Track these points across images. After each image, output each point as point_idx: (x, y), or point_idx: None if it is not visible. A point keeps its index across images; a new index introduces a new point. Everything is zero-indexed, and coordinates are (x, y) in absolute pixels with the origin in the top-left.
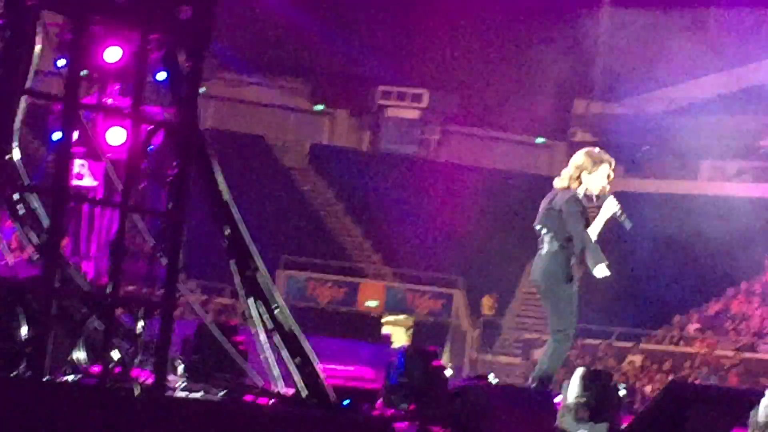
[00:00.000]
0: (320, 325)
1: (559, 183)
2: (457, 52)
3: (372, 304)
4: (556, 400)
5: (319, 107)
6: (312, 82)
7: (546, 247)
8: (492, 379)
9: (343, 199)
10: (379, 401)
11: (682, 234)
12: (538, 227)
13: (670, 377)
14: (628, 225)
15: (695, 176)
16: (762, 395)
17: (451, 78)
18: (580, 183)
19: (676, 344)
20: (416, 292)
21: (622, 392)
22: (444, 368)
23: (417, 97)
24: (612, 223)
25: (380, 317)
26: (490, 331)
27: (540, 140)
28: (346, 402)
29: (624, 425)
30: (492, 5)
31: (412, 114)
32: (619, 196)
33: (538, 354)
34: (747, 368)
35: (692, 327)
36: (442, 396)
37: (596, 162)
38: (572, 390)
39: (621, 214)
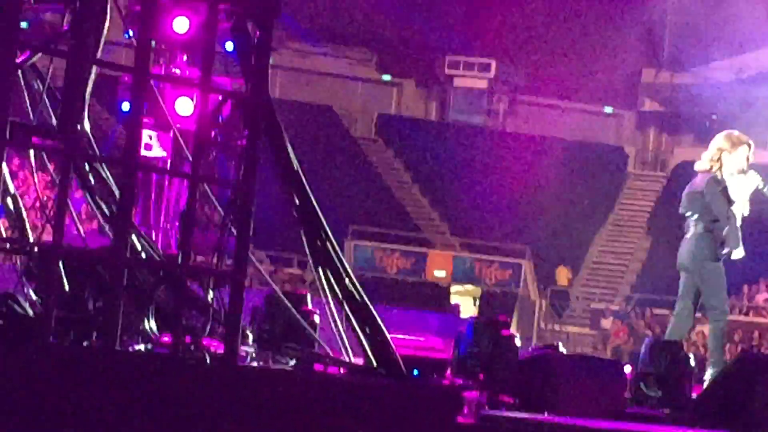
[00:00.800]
0: (388, 295)
1: (699, 166)
2: (525, 22)
3: (440, 274)
4: (627, 370)
5: (387, 77)
6: (379, 52)
7: (692, 230)
8: (561, 348)
9: (411, 169)
10: (449, 371)
11: (750, 204)
12: (683, 212)
13: (740, 348)
14: None
15: (765, 146)
16: None
17: (518, 47)
18: (721, 164)
19: (746, 314)
20: (484, 262)
21: (692, 362)
22: (514, 337)
23: (485, 67)
24: None
25: (448, 287)
26: (559, 302)
27: (608, 109)
28: (415, 372)
29: (694, 396)
30: None
31: (480, 84)
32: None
33: (606, 324)
34: None
35: (761, 297)
36: (511, 365)
37: (735, 143)
38: (643, 360)
39: (764, 185)
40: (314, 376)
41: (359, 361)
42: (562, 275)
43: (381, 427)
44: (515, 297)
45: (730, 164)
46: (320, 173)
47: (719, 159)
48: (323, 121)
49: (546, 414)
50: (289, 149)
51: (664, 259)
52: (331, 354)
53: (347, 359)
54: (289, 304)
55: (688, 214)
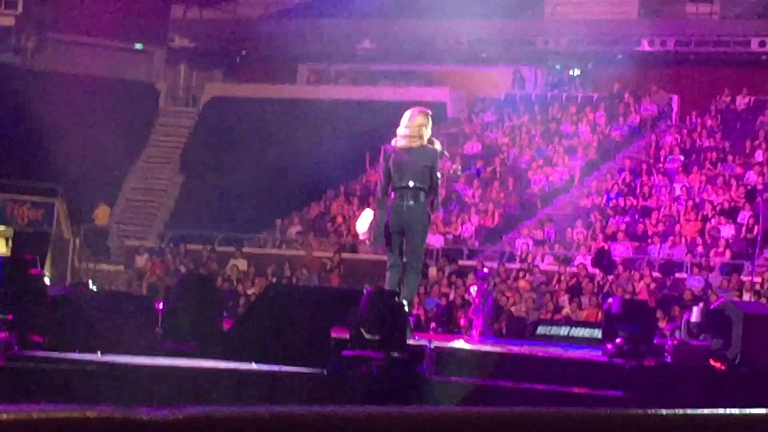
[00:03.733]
0: None
1: (407, 142)
2: None
3: None
4: (160, 306)
5: None
6: None
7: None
8: (91, 286)
9: None
10: None
11: (278, 137)
12: (414, 185)
13: (274, 280)
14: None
15: (291, 79)
16: (358, 294)
17: None
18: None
19: (279, 247)
20: (16, 202)
21: (220, 295)
22: (42, 276)
23: (11, 4)
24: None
25: None
26: (97, 240)
27: (138, 46)
28: None
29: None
30: None
31: (7, 21)
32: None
33: (140, 261)
34: (348, 269)
35: (294, 230)
36: (41, 305)
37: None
38: (175, 295)
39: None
40: None
41: None
42: (103, 214)
43: None
44: (48, 236)
45: (427, 136)
46: None
47: (421, 134)
48: None
49: (78, 352)
50: None
51: (197, 194)
52: None
53: None
54: None
55: (419, 185)
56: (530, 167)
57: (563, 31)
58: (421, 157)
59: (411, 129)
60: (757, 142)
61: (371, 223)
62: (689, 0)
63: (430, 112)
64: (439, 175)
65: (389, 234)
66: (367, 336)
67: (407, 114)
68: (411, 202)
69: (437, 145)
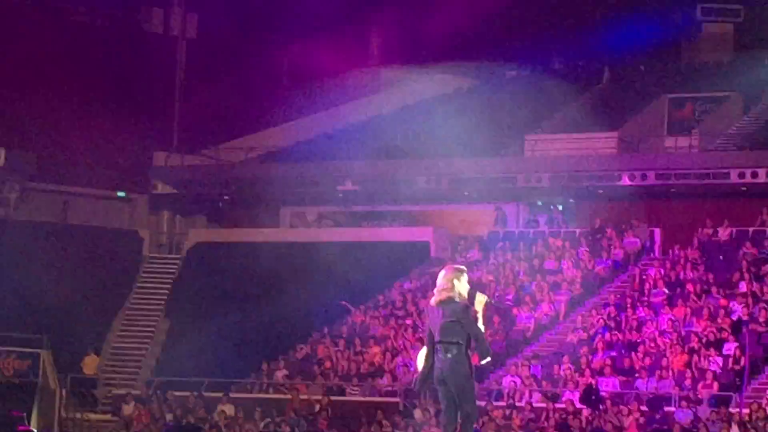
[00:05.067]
0: None
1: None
2: (33, 109)
3: None
4: None
5: None
6: None
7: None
8: None
9: None
10: None
11: (262, 280)
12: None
13: (262, 424)
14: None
15: (277, 223)
16: None
17: (28, 135)
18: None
19: (266, 391)
20: (1, 353)
21: None
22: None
23: None
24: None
25: None
26: (85, 390)
27: (121, 194)
28: None
29: None
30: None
31: None
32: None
33: (127, 409)
34: (336, 411)
35: (280, 373)
36: None
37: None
38: None
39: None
40: None
41: None
42: (91, 363)
43: None
44: (35, 387)
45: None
46: None
47: (450, 289)
48: None
49: None
50: None
51: (183, 340)
52: None
53: None
54: None
55: (451, 339)
56: (516, 304)
57: (544, 167)
58: (449, 313)
59: (442, 285)
60: (740, 273)
61: (422, 367)
62: (668, 134)
63: (464, 269)
64: (481, 327)
65: (433, 387)
66: None
67: (442, 272)
68: (447, 355)
69: (480, 297)
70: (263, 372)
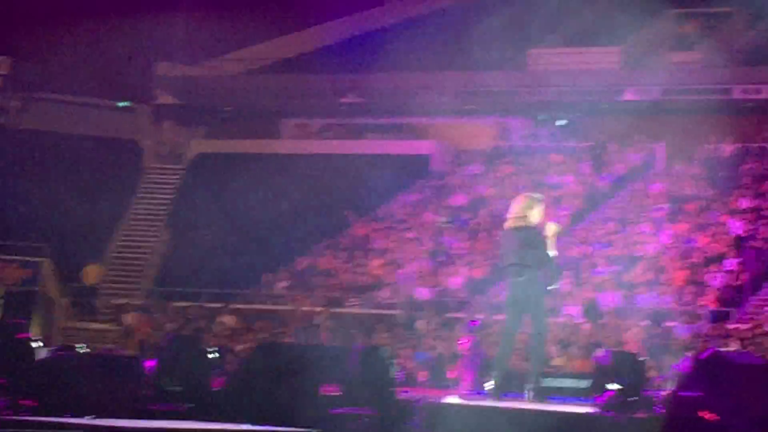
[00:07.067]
0: None
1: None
2: (36, 17)
3: None
4: (148, 366)
5: None
6: None
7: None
8: (80, 348)
9: None
10: None
11: (264, 192)
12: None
13: (261, 336)
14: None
15: (278, 135)
16: (347, 352)
17: (32, 45)
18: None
19: (266, 303)
20: (4, 261)
21: (212, 355)
22: (30, 340)
23: None
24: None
25: None
26: (86, 299)
27: (124, 103)
28: None
29: (216, 387)
30: None
31: None
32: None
33: (129, 319)
34: (337, 323)
35: (281, 285)
36: (30, 368)
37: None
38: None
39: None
40: None
41: None
42: (92, 273)
43: None
44: (35, 295)
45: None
46: None
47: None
48: None
49: (68, 416)
50: None
51: (184, 251)
52: None
53: None
54: None
55: (522, 262)
56: None
57: (548, 82)
58: (521, 238)
59: (515, 212)
60: (742, 189)
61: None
62: (671, 49)
63: (539, 197)
64: (551, 253)
65: (506, 306)
66: (354, 393)
67: (516, 198)
68: (519, 278)
69: (551, 226)
70: (264, 283)
